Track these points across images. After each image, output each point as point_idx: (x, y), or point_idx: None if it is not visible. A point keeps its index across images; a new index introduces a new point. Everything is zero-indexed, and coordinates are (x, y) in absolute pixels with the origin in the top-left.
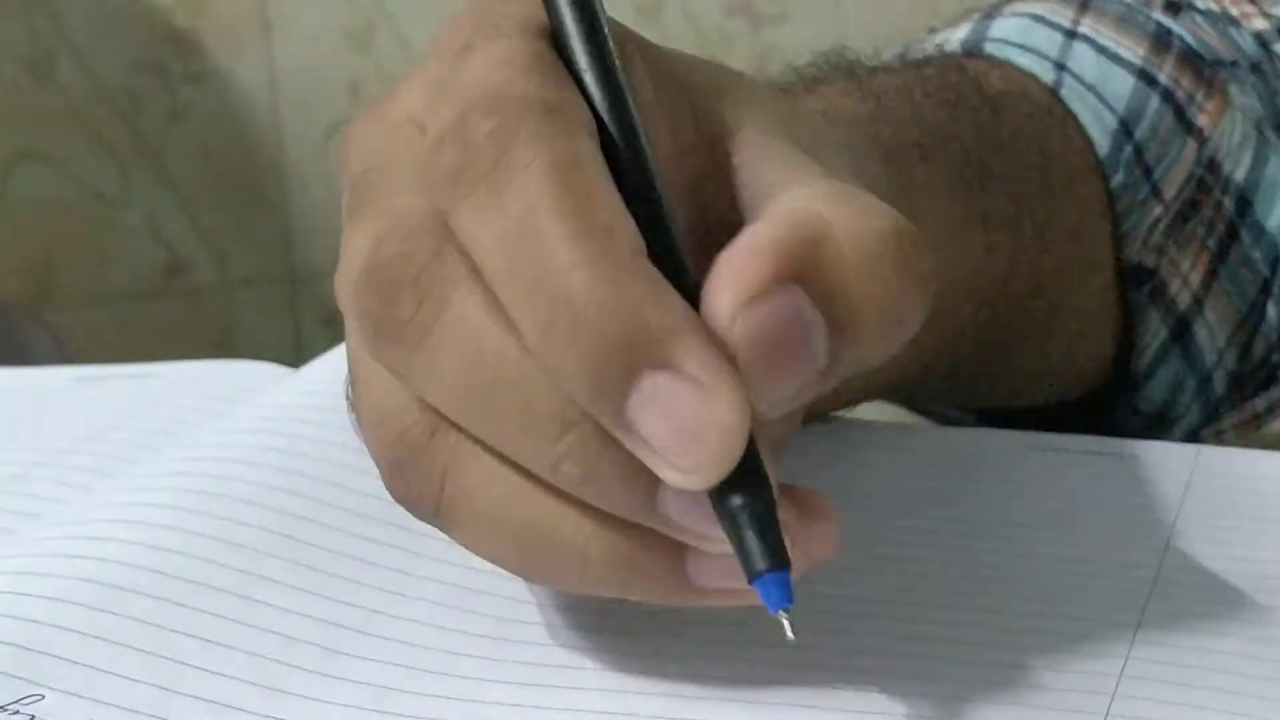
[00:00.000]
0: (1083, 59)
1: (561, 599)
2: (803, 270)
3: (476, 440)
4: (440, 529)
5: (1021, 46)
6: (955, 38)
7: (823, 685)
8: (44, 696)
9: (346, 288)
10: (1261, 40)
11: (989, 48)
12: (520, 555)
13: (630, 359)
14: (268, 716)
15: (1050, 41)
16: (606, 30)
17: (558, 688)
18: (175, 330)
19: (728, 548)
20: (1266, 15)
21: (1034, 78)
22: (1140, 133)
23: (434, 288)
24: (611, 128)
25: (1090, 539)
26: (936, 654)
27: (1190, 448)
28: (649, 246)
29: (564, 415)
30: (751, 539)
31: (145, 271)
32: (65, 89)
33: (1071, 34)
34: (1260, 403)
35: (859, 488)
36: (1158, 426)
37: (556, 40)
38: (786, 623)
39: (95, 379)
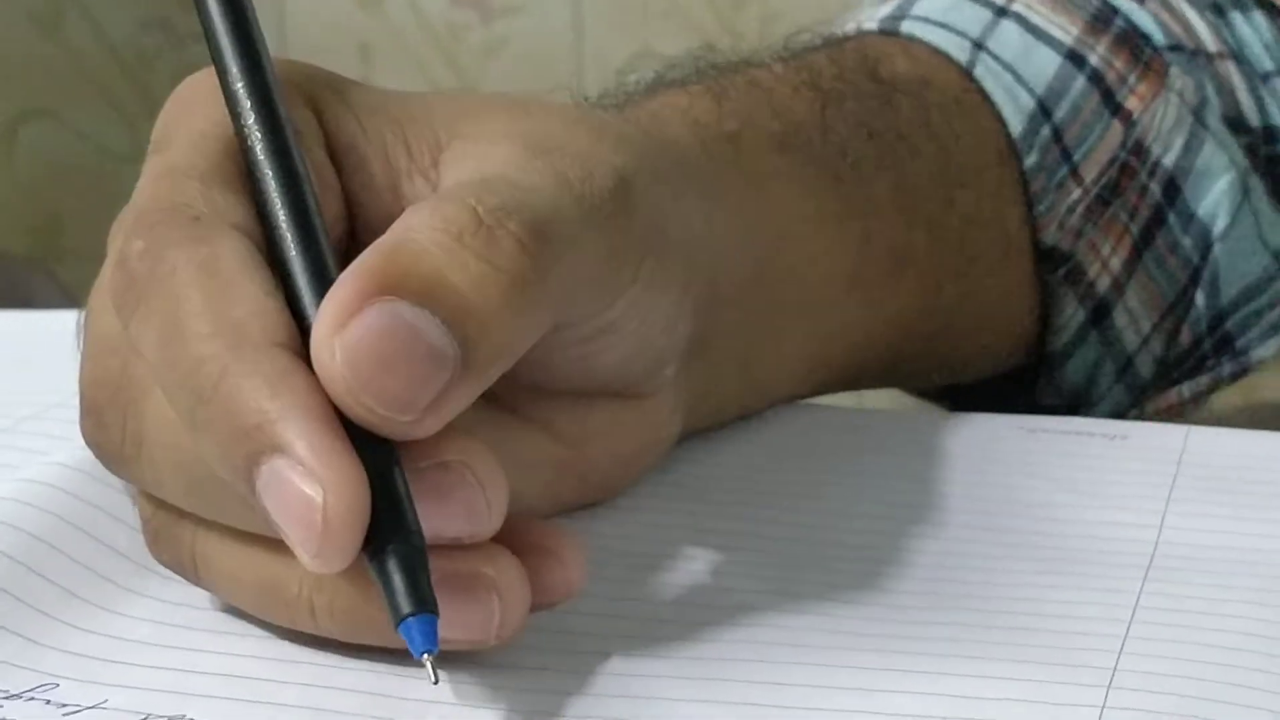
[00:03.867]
0: (1006, 38)
1: None
2: (390, 280)
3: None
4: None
5: (941, 25)
6: (879, 14)
7: (829, 660)
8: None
9: None
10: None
11: (906, 26)
12: (262, 610)
13: (250, 445)
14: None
15: (975, 20)
16: (280, 112)
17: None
18: None
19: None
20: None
21: (946, 59)
22: (1060, 114)
23: (130, 404)
24: (278, 202)
25: (1084, 518)
26: (937, 635)
27: (1181, 428)
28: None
29: None
30: (398, 584)
31: None
32: (73, 46)
33: (1002, 11)
34: (1186, 389)
35: (856, 473)
36: (1077, 407)
37: (235, 126)
38: (430, 666)
39: None
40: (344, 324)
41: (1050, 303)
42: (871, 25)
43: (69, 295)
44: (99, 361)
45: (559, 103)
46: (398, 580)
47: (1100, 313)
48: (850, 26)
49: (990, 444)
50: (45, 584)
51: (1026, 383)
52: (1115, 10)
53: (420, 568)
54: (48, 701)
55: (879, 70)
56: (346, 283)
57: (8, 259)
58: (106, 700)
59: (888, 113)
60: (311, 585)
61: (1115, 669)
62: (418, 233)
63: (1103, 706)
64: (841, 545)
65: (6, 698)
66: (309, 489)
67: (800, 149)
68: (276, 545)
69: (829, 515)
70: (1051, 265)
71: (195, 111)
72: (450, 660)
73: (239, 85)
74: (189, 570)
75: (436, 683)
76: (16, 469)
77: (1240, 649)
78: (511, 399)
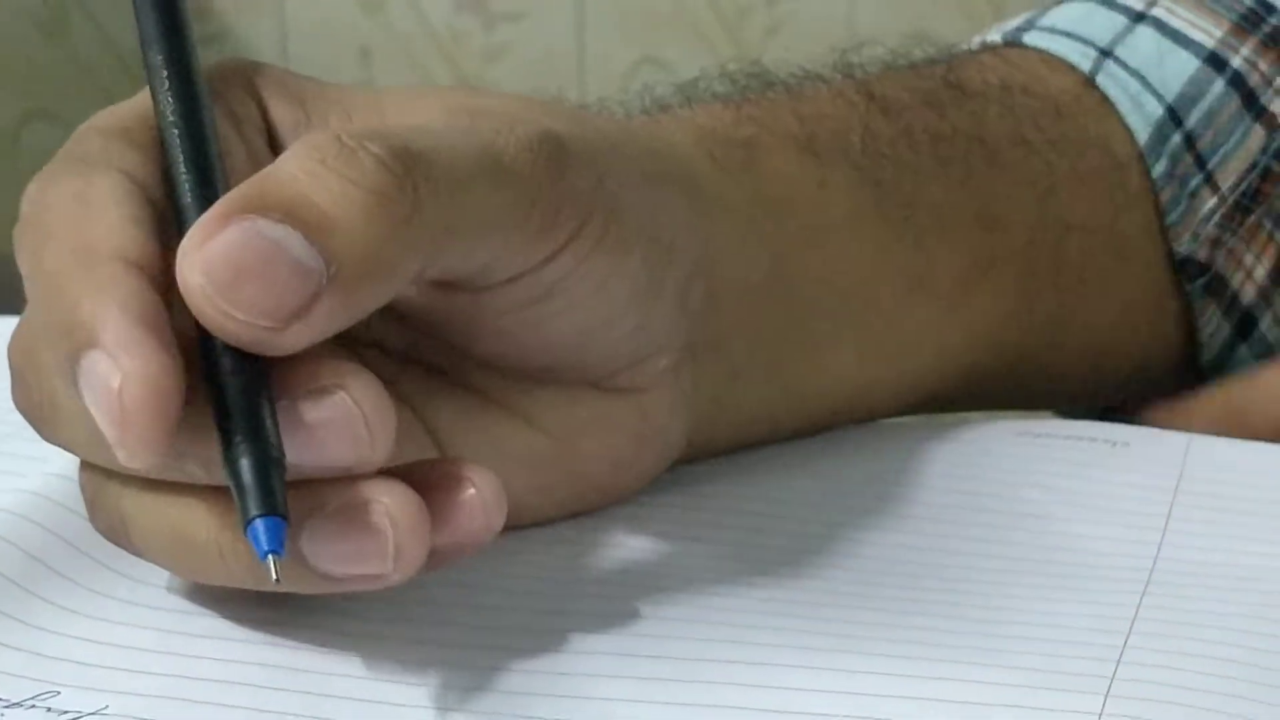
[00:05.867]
0: (1139, 44)
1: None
2: (253, 202)
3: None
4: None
5: (1067, 34)
6: (1006, 27)
7: (820, 663)
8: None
9: None
10: None
11: (1029, 37)
12: (178, 565)
13: (71, 343)
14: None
15: (1108, 26)
16: (196, 81)
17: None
18: None
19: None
20: None
21: (1065, 67)
22: (1193, 120)
23: (43, 363)
24: (179, 156)
25: (1084, 531)
26: (930, 640)
27: (1183, 437)
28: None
29: None
30: (249, 485)
31: None
32: (77, 48)
33: (1140, 16)
34: None
35: (851, 478)
36: None
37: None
38: (273, 566)
39: None
40: (204, 242)
41: (1195, 318)
42: (996, 38)
43: None
44: (21, 327)
45: (526, 95)
46: (249, 481)
47: (1245, 325)
48: (975, 41)
49: (989, 449)
50: (43, 604)
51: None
52: (1272, 9)
53: (274, 473)
54: (49, 709)
55: (964, 80)
56: (213, 208)
57: (8, 263)
58: (107, 707)
59: (960, 118)
60: (216, 528)
61: (1113, 678)
62: (284, 162)
63: (1100, 715)
64: (835, 551)
65: (7, 706)
66: (110, 377)
67: (829, 152)
68: (182, 491)
69: (822, 523)
70: (1188, 277)
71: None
72: (441, 662)
73: (155, 52)
74: (120, 535)
75: (278, 582)
76: (19, 476)
77: (1239, 662)
78: (497, 392)
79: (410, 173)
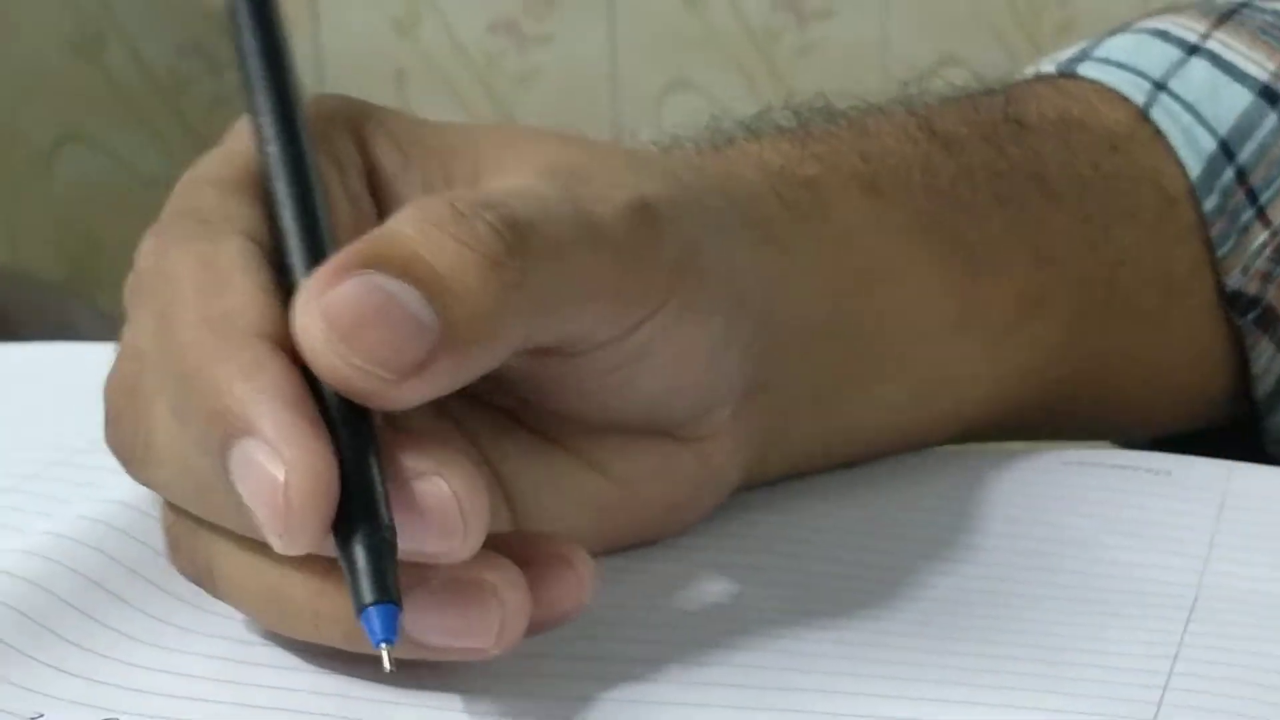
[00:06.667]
0: (1192, 77)
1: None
2: (369, 258)
3: (217, 526)
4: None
5: (1121, 65)
6: (1062, 57)
7: (868, 689)
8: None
9: None
10: None
11: (1084, 68)
12: (269, 620)
13: (224, 428)
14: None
15: (1161, 59)
16: (299, 125)
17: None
18: None
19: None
20: None
21: (1120, 100)
22: (1245, 155)
23: (143, 406)
24: (285, 207)
25: (1127, 559)
26: (978, 666)
27: (1224, 465)
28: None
29: None
30: (362, 572)
31: None
32: (111, 72)
33: (1194, 49)
34: None
35: (898, 507)
36: None
37: (255, 139)
38: (386, 656)
39: None
40: (324, 293)
41: (1248, 352)
42: (1050, 68)
43: (111, 322)
44: (120, 366)
45: (609, 141)
46: (362, 568)
47: None
48: (1029, 71)
49: (1032, 478)
50: (102, 630)
51: (1239, 441)
52: None
53: (388, 558)
54: None
55: (1022, 114)
56: (329, 262)
57: (46, 286)
58: None
59: (1019, 155)
60: (314, 592)
61: (1160, 703)
62: (398, 222)
63: None
64: (890, 581)
65: None
66: (273, 468)
67: (892, 191)
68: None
69: (871, 551)
70: (1239, 311)
71: (238, 135)
72: (504, 692)
73: (261, 99)
74: (205, 580)
75: (391, 670)
76: (76, 503)
77: None
78: (563, 436)
79: (522, 242)
